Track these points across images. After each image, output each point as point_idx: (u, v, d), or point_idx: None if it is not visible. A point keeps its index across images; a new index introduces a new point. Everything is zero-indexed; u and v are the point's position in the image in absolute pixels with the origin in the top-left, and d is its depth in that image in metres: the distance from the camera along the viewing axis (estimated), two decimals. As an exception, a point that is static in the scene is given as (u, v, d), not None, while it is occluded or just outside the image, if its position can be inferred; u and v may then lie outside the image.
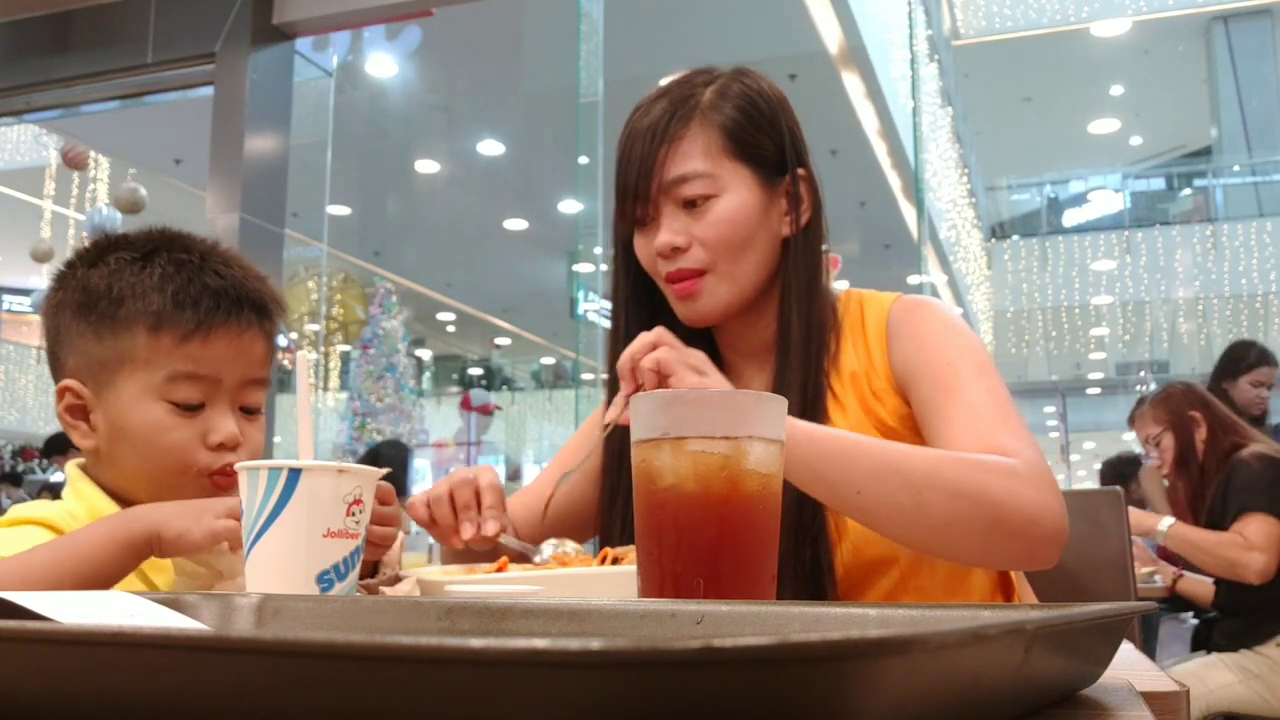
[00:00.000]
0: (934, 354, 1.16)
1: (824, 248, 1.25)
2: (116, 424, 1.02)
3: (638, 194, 1.18)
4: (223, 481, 1.03)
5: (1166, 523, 3.00)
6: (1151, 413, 3.21)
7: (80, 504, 1.03)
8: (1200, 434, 3.09)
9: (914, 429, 1.17)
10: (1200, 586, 3.24)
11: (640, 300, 1.26)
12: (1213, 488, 3.01)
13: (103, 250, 1.05)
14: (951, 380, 1.13)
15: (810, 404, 1.17)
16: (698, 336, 1.24)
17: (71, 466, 1.07)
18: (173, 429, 1.01)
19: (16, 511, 1.01)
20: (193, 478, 1.02)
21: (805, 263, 1.21)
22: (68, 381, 1.04)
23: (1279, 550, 2.91)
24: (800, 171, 1.22)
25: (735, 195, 1.17)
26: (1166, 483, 3.30)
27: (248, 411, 1.06)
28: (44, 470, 7.26)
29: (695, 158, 1.16)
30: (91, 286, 1.02)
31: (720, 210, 1.16)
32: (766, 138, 1.20)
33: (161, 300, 1.00)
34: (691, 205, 1.17)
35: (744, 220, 1.17)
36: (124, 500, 1.04)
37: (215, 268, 1.04)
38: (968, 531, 0.99)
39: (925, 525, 0.98)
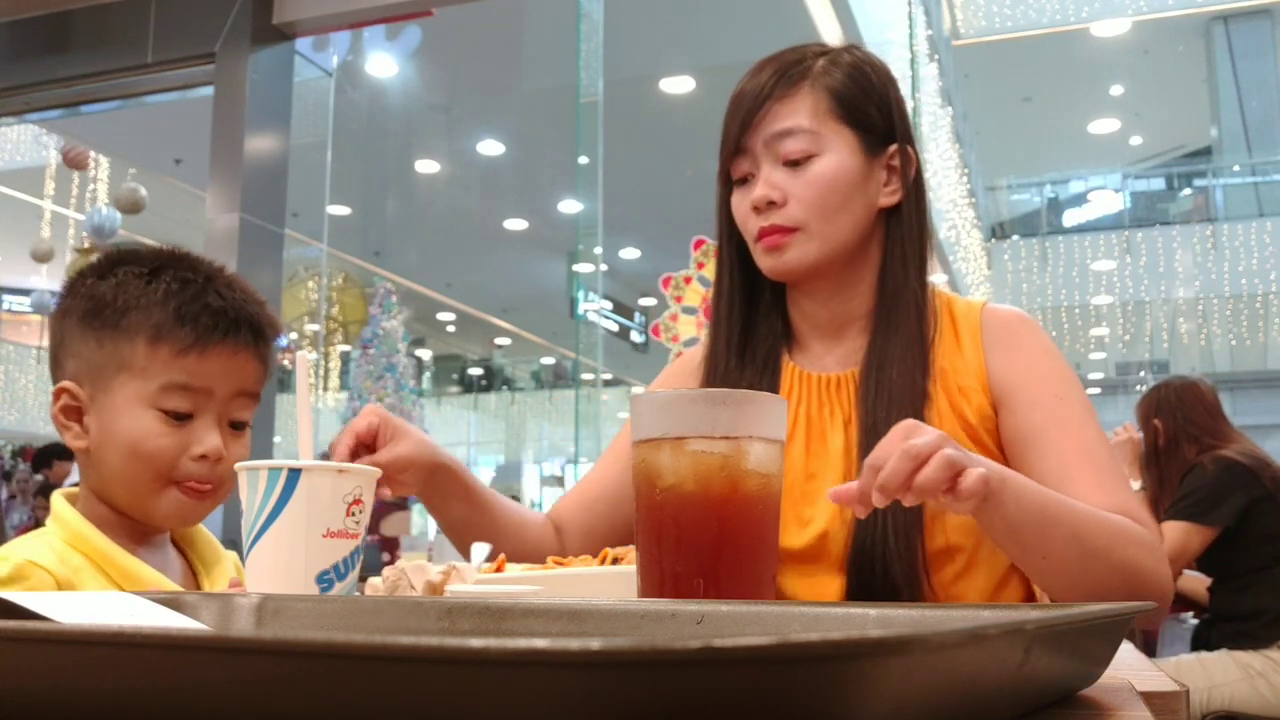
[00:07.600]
0: (1042, 383, 1.17)
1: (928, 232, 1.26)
2: (108, 427, 1.07)
3: (740, 148, 1.20)
4: (194, 493, 1.07)
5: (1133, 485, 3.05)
6: (1140, 405, 3.28)
7: (60, 530, 1.06)
8: (1159, 442, 3.11)
9: (993, 432, 1.18)
10: (1197, 584, 3.24)
11: (744, 267, 1.27)
12: (1170, 491, 3.06)
13: (113, 263, 1.11)
14: (1063, 417, 1.14)
15: (911, 383, 1.16)
16: (773, 308, 1.27)
17: (56, 496, 1.11)
18: (160, 436, 1.05)
19: (6, 560, 1.01)
20: (167, 485, 1.06)
21: (911, 235, 1.22)
22: (66, 383, 1.09)
23: (1182, 562, 2.97)
24: (906, 147, 1.23)
25: (836, 156, 1.18)
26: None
27: (235, 427, 1.11)
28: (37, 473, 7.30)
29: (802, 115, 1.18)
30: (99, 295, 1.08)
31: (820, 169, 1.18)
32: (874, 106, 1.21)
33: (164, 314, 1.06)
34: (792, 165, 1.18)
35: (844, 182, 1.18)
36: (109, 509, 1.08)
37: (218, 289, 1.10)
38: (1111, 597, 1.02)
39: (1080, 588, 1.02)
